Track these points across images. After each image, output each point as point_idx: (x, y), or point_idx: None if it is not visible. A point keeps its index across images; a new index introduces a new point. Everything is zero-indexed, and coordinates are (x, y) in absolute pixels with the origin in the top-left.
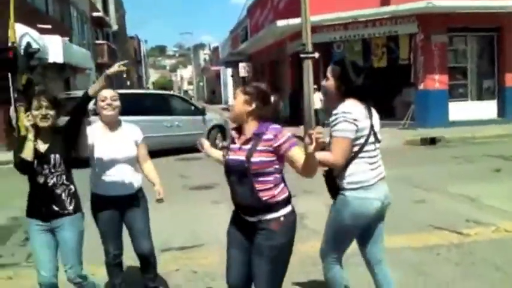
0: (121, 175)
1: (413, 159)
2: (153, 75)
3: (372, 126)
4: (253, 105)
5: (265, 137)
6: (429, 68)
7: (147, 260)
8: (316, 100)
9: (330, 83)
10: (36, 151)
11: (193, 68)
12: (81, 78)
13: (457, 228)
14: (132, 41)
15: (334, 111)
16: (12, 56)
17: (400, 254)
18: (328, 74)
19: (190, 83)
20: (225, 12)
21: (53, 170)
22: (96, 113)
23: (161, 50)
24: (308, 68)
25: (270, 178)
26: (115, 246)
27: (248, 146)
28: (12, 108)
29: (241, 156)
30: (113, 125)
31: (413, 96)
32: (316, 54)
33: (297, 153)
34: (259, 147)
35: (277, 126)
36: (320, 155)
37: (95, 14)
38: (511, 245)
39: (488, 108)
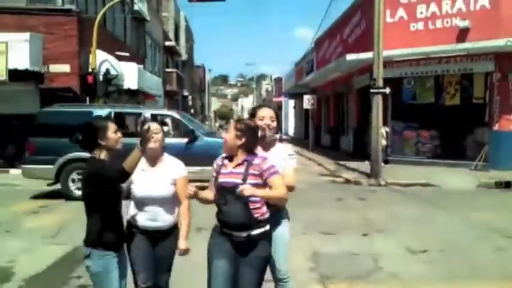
0: (155, 212)
1: (489, 203)
2: (215, 104)
3: None
4: (243, 140)
5: (254, 162)
6: (505, 108)
7: None
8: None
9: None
10: None
11: (255, 98)
12: (150, 104)
13: None
14: (198, 69)
15: (291, 151)
16: (92, 81)
17: None
18: (273, 115)
19: None
20: (287, 44)
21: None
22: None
23: (224, 79)
24: (378, 103)
25: (258, 198)
26: (144, 278)
27: (241, 170)
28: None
29: (237, 179)
30: (154, 159)
31: (487, 136)
32: (387, 90)
33: (277, 182)
34: (251, 171)
35: (264, 155)
36: (287, 181)
37: (167, 43)
38: None
39: None
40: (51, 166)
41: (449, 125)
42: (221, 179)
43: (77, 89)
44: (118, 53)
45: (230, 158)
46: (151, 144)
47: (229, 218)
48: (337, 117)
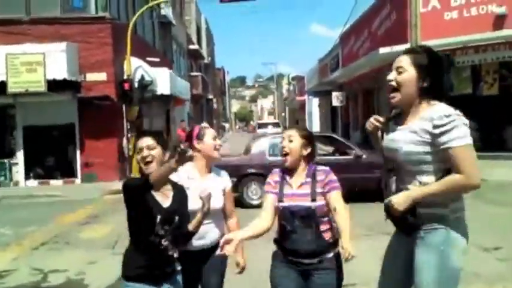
0: (206, 227)
1: None
2: (234, 106)
3: None
4: (309, 150)
5: (318, 178)
6: None
7: None
8: None
9: (408, 75)
10: (157, 204)
11: (277, 98)
12: (178, 109)
13: None
14: (218, 72)
15: (441, 114)
16: (128, 88)
17: None
18: (404, 64)
19: (270, 114)
20: (303, 43)
21: (169, 232)
22: None
23: (241, 81)
24: None
25: (328, 218)
26: None
27: (307, 190)
28: (125, 139)
29: (305, 202)
30: (207, 169)
31: None
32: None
33: (335, 199)
34: (318, 190)
35: (325, 167)
36: (448, 182)
37: (191, 46)
38: None
39: None
40: None
41: (488, 116)
42: (286, 203)
43: (114, 96)
44: (149, 58)
45: (288, 172)
46: (217, 154)
47: (299, 247)
48: (367, 114)
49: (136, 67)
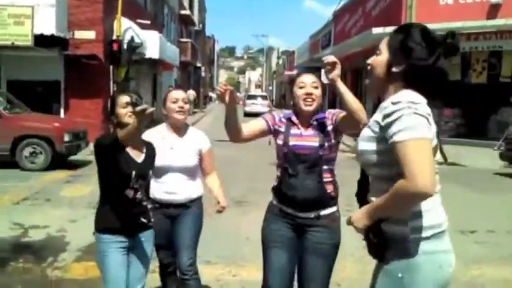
0: (175, 183)
1: None
2: (222, 76)
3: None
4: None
5: (325, 120)
6: None
7: (186, 276)
8: None
9: (381, 58)
10: (132, 160)
11: (266, 71)
12: (166, 75)
13: None
14: (208, 40)
15: (389, 102)
16: (117, 48)
17: None
18: (381, 46)
19: (258, 86)
20: (295, 17)
21: (143, 186)
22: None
23: (230, 52)
24: None
25: (332, 167)
26: (165, 255)
27: (313, 132)
28: (110, 100)
29: (313, 142)
30: (179, 129)
31: None
32: None
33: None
34: (327, 129)
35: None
36: (393, 189)
37: (182, 12)
38: None
39: None
40: None
41: (474, 104)
42: (293, 142)
43: (102, 56)
44: (139, 20)
45: (297, 116)
46: (178, 115)
47: (298, 192)
48: (355, 93)
49: (126, 28)
